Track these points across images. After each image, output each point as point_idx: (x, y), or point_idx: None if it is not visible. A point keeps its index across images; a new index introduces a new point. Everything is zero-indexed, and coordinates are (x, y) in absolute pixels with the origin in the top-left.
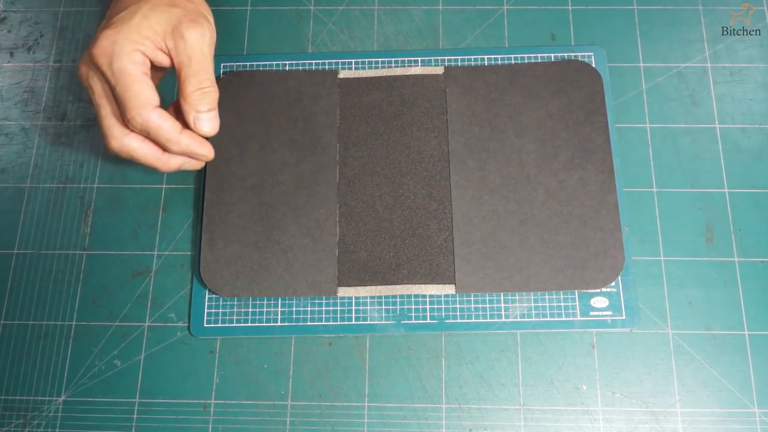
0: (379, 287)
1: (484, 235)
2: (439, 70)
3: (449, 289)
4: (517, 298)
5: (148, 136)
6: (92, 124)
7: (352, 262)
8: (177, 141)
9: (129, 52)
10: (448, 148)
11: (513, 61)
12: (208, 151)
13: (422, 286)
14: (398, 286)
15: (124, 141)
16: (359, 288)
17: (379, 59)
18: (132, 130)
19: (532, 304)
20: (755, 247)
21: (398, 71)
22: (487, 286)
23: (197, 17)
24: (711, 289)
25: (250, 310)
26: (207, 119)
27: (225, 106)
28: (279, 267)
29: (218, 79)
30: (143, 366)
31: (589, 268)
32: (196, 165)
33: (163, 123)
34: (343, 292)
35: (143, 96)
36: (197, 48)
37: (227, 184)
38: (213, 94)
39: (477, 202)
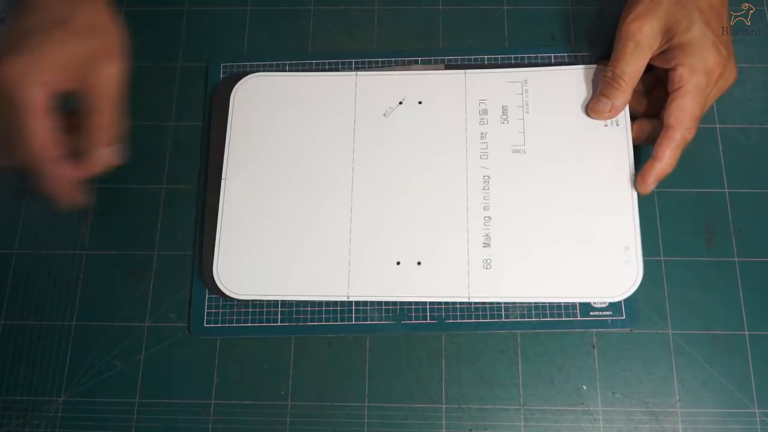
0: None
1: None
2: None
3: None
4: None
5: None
6: None
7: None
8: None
9: (37, 84)
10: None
11: (513, 61)
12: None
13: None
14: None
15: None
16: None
17: (379, 59)
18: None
19: (532, 304)
20: (755, 247)
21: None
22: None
23: (114, 52)
24: (711, 289)
25: (250, 310)
26: (108, 154)
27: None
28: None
29: (219, 80)
30: (143, 366)
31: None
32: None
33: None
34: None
35: (39, 137)
36: (112, 84)
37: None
38: (115, 130)
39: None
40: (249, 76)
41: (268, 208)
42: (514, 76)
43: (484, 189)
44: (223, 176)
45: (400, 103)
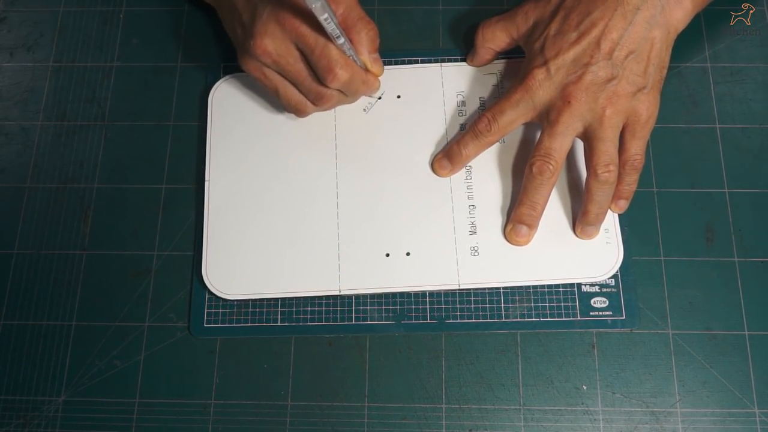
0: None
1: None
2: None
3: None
4: (517, 298)
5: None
6: (92, 124)
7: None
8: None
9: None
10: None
11: (511, 59)
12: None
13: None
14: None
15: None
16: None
17: None
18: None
19: (532, 304)
20: (755, 247)
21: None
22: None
23: None
24: (711, 289)
25: (250, 310)
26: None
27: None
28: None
29: (219, 80)
30: (143, 366)
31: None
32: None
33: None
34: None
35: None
36: None
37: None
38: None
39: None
40: (225, 77)
41: (254, 207)
42: (488, 67)
43: (466, 179)
44: (206, 178)
45: (379, 98)
